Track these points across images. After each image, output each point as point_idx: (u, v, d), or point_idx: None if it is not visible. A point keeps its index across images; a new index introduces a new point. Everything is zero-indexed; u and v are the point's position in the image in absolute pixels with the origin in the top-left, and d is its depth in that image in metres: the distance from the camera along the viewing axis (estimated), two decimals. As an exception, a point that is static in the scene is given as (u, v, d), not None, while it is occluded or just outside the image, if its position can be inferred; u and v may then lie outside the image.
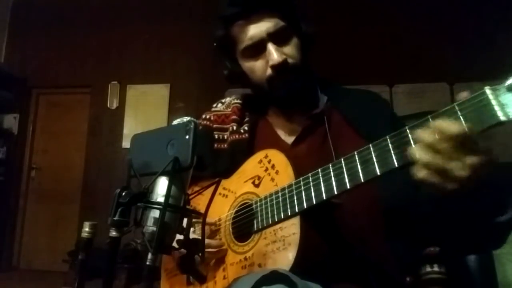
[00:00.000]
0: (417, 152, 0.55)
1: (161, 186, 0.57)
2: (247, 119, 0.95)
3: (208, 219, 0.86)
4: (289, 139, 0.89)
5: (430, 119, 0.56)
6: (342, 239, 0.75)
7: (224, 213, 0.85)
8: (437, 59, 3.66)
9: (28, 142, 4.60)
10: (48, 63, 4.59)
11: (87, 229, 0.60)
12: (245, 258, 0.77)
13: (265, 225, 0.75)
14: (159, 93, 4.25)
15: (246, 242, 0.78)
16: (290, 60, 0.83)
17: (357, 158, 0.64)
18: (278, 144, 0.88)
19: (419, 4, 3.82)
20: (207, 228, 0.86)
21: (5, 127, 4.50)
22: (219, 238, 0.84)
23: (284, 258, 0.69)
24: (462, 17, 3.69)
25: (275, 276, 0.60)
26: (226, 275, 0.79)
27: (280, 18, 0.84)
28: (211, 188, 0.90)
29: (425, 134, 0.54)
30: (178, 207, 0.56)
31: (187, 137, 0.56)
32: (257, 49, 0.85)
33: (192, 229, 0.83)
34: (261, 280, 0.59)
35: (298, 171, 0.74)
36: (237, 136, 0.92)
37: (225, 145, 0.94)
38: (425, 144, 0.54)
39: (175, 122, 0.63)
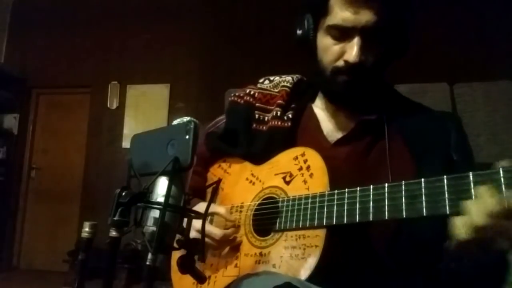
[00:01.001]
0: (475, 210, 0.51)
1: (161, 186, 0.57)
2: (293, 105, 0.88)
3: (231, 203, 0.86)
4: (332, 137, 0.84)
5: (503, 181, 0.50)
6: (365, 257, 0.72)
7: (248, 200, 0.83)
8: (437, 59, 3.66)
9: (28, 142, 4.60)
10: (48, 63, 4.59)
11: (87, 229, 0.60)
12: (261, 254, 0.75)
13: (287, 227, 0.73)
14: (159, 93, 4.25)
15: (265, 238, 0.77)
16: (366, 64, 0.75)
17: (403, 189, 0.59)
18: (319, 140, 0.84)
19: (419, 4, 3.82)
20: (227, 211, 0.85)
21: (5, 127, 4.49)
22: (238, 224, 0.82)
23: (301, 268, 0.67)
24: (462, 17, 3.69)
25: None
26: (238, 263, 0.78)
27: (384, 18, 0.73)
28: (239, 168, 0.90)
29: (493, 201, 0.50)
30: (178, 207, 0.56)
31: (187, 137, 0.56)
32: (343, 34, 0.75)
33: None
34: None
35: (333, 174, 0.71)
36: (279, 123, 0.86)
37: (264, 128, 0.88)
38: (487, 210, 0.50)
39: (175, 122, 0.63)
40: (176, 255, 0.89)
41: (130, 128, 4.22)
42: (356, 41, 0.74)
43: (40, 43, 4.63)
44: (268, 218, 0.77)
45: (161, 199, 0.55)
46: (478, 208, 0.51)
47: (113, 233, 0.54)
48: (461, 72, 3.60)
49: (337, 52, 0.77)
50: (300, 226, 0.71)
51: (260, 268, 0.73)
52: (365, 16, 0.73)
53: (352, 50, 0.74)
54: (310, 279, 0.65)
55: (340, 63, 0.77)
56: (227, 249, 0.81)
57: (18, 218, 4.46)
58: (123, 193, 0.55)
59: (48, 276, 3.95)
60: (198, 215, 0.61)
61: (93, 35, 4.50)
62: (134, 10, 4.47)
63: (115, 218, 0.54)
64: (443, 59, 3.64)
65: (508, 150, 3.26)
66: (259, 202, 0.81)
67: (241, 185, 0.86)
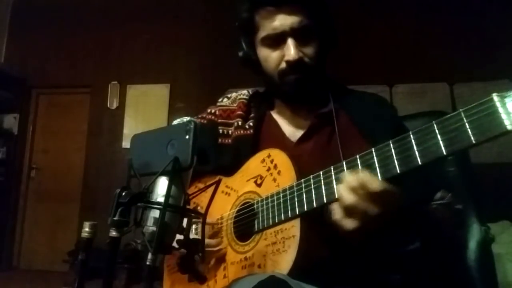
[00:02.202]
0: (341, 191, 0.63)
1: (161, 186, 0.57)
2: (252, 114, 0.94)
3: (210, 217, 0.86)
4: (294, 137, 0.89)
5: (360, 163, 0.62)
6: (343, 241, 0.73)
7: (226, 211, 0.85)
8: (437, 59, 3.66)
9: (28, 142, 4.60)
10: (48, 63, 4.59)
11: (87, 229, 0.59)
12: (245, 258, 0.76)
13: (265, 226, 0.75)
14: (159, 93, 4.25)
15: (247, 242, 0.78)
16: (306, 59, 0.83)
17: (359, 162, 0.63)
18: (282, 141, 0.88)
19: (419, 4, 3.82)
20: (209, 226, 0.86)
21: (5, 127, 4.50)
22: (220, 236, 0.84)
23: (284, 261, 0.69)
24: (462, 17, 3.69)
25: (273, 281, 0.59)
26: (226, 274, 0.79)
27: (307, 16, 0.83)
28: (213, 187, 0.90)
29: (352, 178, 0.62)
30: (178, 207, 0.56)
31: (187, 137, 0.56)
32: (277, 40, 0.84)
33: (194, 226, 0.83)
34: (259, 286, 0.59)
35: (302, 170, 0.74)
36: (241, 132, 0.91)
37: (229, 140, 0.93)
38: (350, 187, 0.62)
39: (175, 122, 0.63)
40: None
41: (130, 128, 4.22)
42: (290, 41, 0.82)
43: (40, 43, 4.63)
44: (247, 222, 0.79)
45: (161, 199, 0.55)
46: (343, 188, 0.62)
47: (113, 233, 0.54)
48: (461, 72, 3.60)
49: (277, 57, 0.85)
50: (277, 221, 0.73)
51: (246, 273, 0.75)
52: (290, 19, 0.82)
53: (290, 50, 0.82)
54: (295, 270, 0.67)
55: (283, 65, 0.84)
56: (213, 261, 0.82)
57: (18, 218, 4.46)
58: (123, 193, 0.55)
59: (48, 276, 3.95)
60: (198, 215, 0.61)
61: (93, 35, 4.50)
62: (134, 10, 4.47)
63: (115, 218, 0.54)
64: (443, 59, 3.64)
65: (507, 150, 3.26)
66: (236, 209, 0.83)
67: (218, 199, 0.87)
